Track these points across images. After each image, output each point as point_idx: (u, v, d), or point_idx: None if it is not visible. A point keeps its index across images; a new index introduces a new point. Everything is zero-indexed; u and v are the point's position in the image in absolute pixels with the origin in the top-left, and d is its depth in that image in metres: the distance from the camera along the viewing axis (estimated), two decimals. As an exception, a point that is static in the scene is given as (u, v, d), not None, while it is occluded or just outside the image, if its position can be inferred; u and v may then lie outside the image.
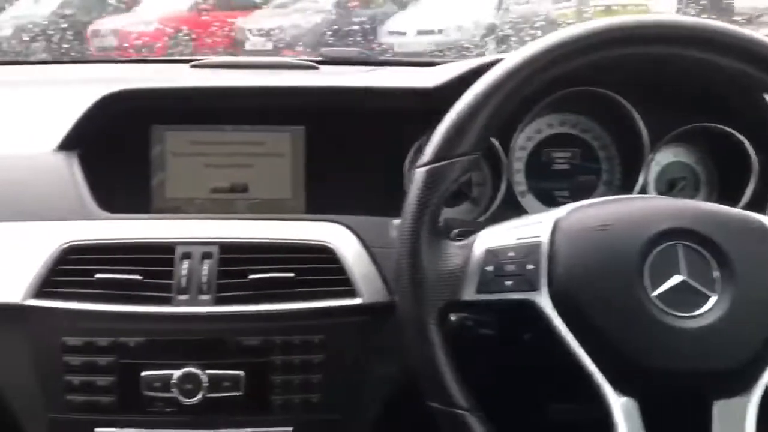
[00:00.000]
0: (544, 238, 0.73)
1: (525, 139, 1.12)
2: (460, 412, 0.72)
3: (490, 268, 0.73)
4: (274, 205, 1.09)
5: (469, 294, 0.73)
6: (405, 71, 1.35)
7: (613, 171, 1.13)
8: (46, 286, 0.92)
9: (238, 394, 0.91)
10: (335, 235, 0.96)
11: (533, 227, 0.75)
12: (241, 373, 0.91)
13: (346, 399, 0.94)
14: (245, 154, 1.09)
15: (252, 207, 1.09)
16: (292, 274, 0.93)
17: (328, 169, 1.08)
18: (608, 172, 1.13)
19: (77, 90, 1.14)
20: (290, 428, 0.93)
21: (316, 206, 1.07)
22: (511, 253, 0.73)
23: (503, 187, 1.06)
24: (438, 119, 1.01)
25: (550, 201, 1.13)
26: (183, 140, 1.08)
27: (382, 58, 1.44)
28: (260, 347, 0.92)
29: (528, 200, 1.12)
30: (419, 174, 0.77)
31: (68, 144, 1.02)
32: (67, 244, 0.93)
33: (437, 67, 1.17)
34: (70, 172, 1.00)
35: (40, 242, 0.94)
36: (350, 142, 1.08)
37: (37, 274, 0.92)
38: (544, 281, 0.72)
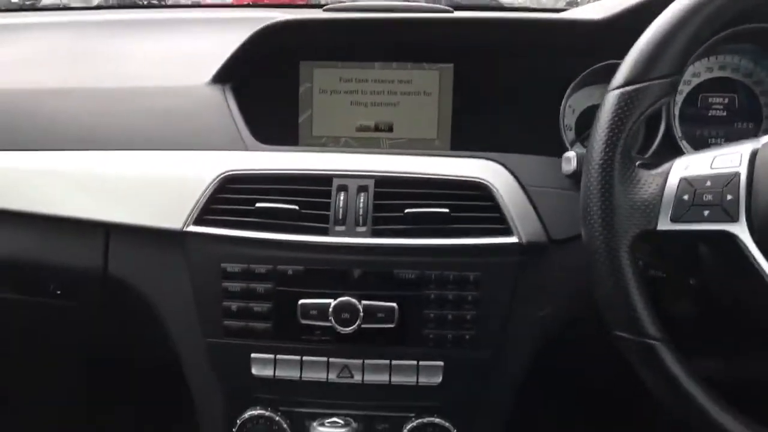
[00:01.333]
0: (743, 169, 0.69)
1: (682, 83, 1.07)
2: (651, 342, 0.70)
3: (686, 197, 0.70)
4: (419, 144, 1.08)
5: (664, 223, 0.70)
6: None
7: None
8: (207, 213, 0.94)
9: (391, 326, 0.91)
10: (490, 173, 0.94)
11: (730, 157, 0.71)
12: (394, 305, 0.91)
13: (498, 337, 0.93)
14: (391, 93, 1.08)
15: (397, 146, 1.08)
16: (446, 210, 0.92)
17: (476, 108, 1.06)
18: None
19: (223, 28, 1.16)
20: (441, 363, 0.93)
21: (462, 147, 1.06)
22: (708, 183, 0.70)
23: (662, 127, 1.02)
24: (605, 54, 0.98)
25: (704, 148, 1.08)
26: (330, 77, 1.08)
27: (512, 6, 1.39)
28: (415, 281, 0.91)
29: (682, 146, 1.08)
30: (612, 97, 0.74)
31: (222, 77, 1.04)
32: (227, 174, 0.94)
33: (584, 6, 1.13)
34: (225, 104, 1.01)
35: (201, 171, 0.95)
36: (500, 80, 1.05)
37: (197, 202, 0.94)
38: (743, 213, 0.68)
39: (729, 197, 0.68)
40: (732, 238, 0.68)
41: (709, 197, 0.69)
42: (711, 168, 0.71)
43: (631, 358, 0.71)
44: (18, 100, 1.06)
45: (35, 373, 1.36)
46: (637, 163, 0.74)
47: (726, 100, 1.09)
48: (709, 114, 1.08)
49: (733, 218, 0.68)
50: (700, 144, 1.09)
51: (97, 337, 1.16)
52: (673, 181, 0.71)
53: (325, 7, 1.31)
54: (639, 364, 0.70)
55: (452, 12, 1.29)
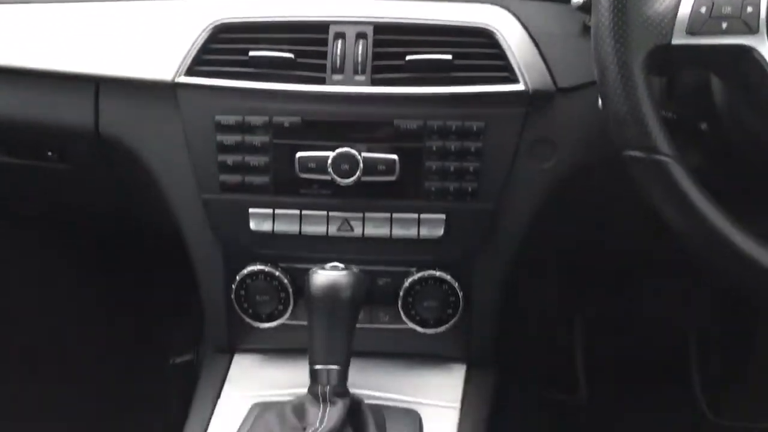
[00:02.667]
0: None
1: None
2: (663, 158, 0.67)
3: (703, 9, 0.66)
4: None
5: (679, 37, 0.66)
6: None
7: None
8: (198, 64, 0.90)
9: (391, 178, 0.89)
10: (495, 18, 0.90)
11: None
12: (395, 157, 0.89)
13: (501, 190, 0.91)
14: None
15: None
16: (449, 57, 0.88)
17: None
18: None
19: None
20: (443, 216, 0.91)
21: None
22: None
23: None
24: None
25: None
26: None
27: None
28: (416, 131, 0.89)
29: None
30: None
31: None
32: (219, 22, 0.90)
33: None
34: None
35: (191, 20, 0.91)
36: None
37: (188, 52, 0.90)
38: (764, 24, 0.65)
39: (749, 9, 0.65)
40: (750, 53, 0.65)
41: (728, 9, 0.65)
42: None
43: (641, 177, 0.68)
44: None
45: (31, 242, 1.36)
46: None
47: None
48: None
49: (753, 30, 0.65)
50: None
51: (92, 202, 1.14)
52: None
53: None
54: (649, 183, 0.68)
55: None
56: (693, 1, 0.67)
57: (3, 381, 1.33)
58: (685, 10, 0.67)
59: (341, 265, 0.85)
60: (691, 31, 0.66)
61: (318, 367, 0.82)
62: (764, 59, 0.64)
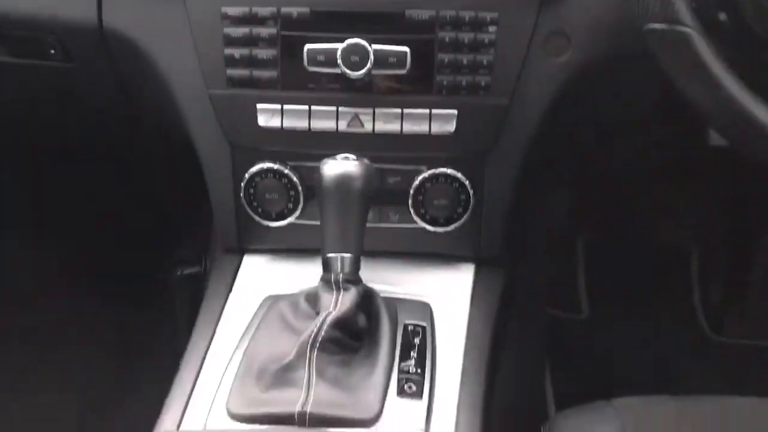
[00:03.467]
0: None
1: None
2: (685, 29, 0.66)
3: None
4: None
5: None
6: None
7: None
8: None
9: (402, 72, 0.87)
10: None
11: None
12: (406, 49, 0.87)
13: (514, 84, 0.89)
14: None
15: None
16: None
17: None
18: None
19: None
20: (454, 111, 0.89)
21: None
22: None
23: None
24: None
25: None
26: None
27: None
28: (428, 22, 0.86)
29: None
30: None
31: None
32: None
33: None
34: None
35: None
36: None
37: None
38: None
39: None
40: None
41: None
42: None
43: (663, 49, 0.67)
44: None
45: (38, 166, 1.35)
46: None
47: None
48: None
49: None
50: None
51: (98, 108, 1.12)
52: None
53: None
54: (671, 55, 0.67)
55: None
56: None
57: (15, 313, 1.34)
58: None
59: (352, 156, 0.84)
60: None
61: (330, 255, 0.82)
62: None
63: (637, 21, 0.68)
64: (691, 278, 1.70)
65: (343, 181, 0.82)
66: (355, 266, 0.83)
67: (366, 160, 0.84)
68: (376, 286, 0.88)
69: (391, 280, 0.93)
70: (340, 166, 0.83)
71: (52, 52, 1.00)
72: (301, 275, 0.93)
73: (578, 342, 1.61)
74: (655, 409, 0.84)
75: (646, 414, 0.83)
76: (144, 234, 1.48)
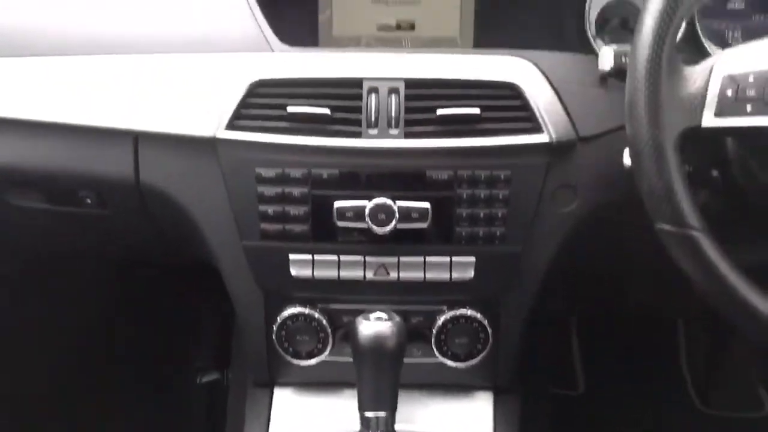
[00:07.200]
0: None
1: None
2: (694, 233, 0.74)
3: (729, 93, 0.72)
4: (441, 43, 1.07)
5: (708, 119, 0.73)
6: None
7: None
8: (238, 118, 0.94)
9: (424, 225, 0.94)
10: (519, 71, 0.95)
11: None
12: (428, 205, 0.94)
13: (527, 233, 0.97)
14: (413, -10, 1.06)
15: (418, 45, 1.07)
16: (477, 110, 0.93)
17: (498, 5, 1.05)
18: None
19: None
20: (472, 258, 0.97)
21: (485, 46, 1.05)
22: (751, 79, 0.72)
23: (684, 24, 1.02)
24: None
25: (722, 43, 1.09)
26: (350, -26, 1.06)
27: None
28: (448, 181, 0.94)
29: (703, 40, 1.09)
30: None
31: None
32: (257, 78, 0.93)
33: None
34: (248, 6, 0.99)
35: (229, 75, 0.94)
36: None
37: (228, 107, 0.93)
38: None
39: None
40: None
41: (752, 92, 0.71)
42: (753, 63, 0.72)
43: (674, 248, 0.75)
44: (31, 4, 1.02)
45: (66, 280, 1.39)
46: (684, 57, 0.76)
47: None
48: (727, 7, 1.09)
49: None
50: (717, 37, 1.10)
51: (131, 244, 1.17)
52: (716, 77, 0.73)
53: None
54: (681, 254, 0.75)
55: None
56: (720, 84, 0.73)
57: (31, 398, 1.37)
58: (713, 92, 0.73)
59: (385, 315, 0.91)
60: (719, 114, 0.72)
61: (368, 414, 0.88)
62: None
63: (649, 218, 0.76)
64: (679, 348, 1.78)
65: (378, 342, 0.88)
66: (391, 423, 0.89)
67: (397, 318, 0.91)
68: (399, 426, 0.93)
69: (413, 416, 0.99)
70: (374, 327, 0.89)
71: (88, 201, 1.05)
72: (334, 410, 0.99)
73: (578, 418, 1.67)
74: None
75: None
76: (162, 342, 1.52)
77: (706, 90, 0.73)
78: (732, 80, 0.72)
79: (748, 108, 0.72)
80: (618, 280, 1.45)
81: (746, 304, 0.73)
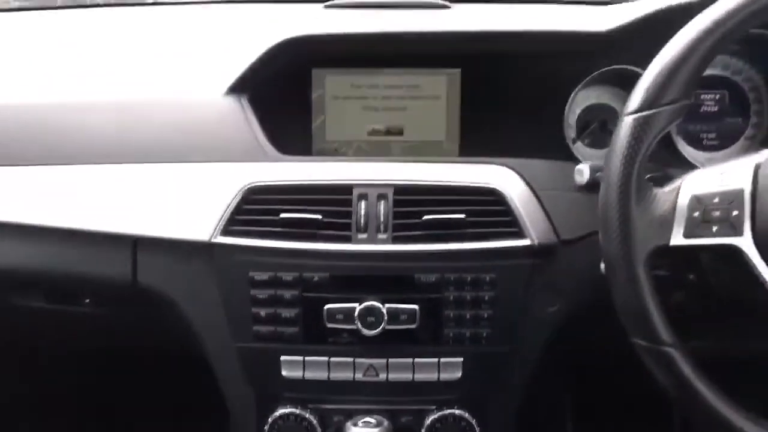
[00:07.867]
0: (747, 185, 0.75)
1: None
2: (665, 349, 0.76)
3: (696, 214, 0.76)
4: (428, 147, 1.12)
5: (677, 239, 0.76)
6: (544, 9, 1.32)
7: (764, 114, 1.13)
8: (233, 224, 0.98)
9: (413, 326, 0.97)
10: (502, 178, 0.99)
11: (735, 173, 0.77)
12: (416, 307, 0.97)
13: (514, 333, 0.99)
14: (401, 98, 1.12)
15: (407, 149, 1.13)
16: (462, 216, 0.97)
17: (482, 112, 1.10)
18: (758, 115, 1.13)
19: (231, 31, 1.17)
20: (460, 359, 0.99)
21: (470, 150, 1.10)
22: (716, 200, 0.76)
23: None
24: (610, 62, 1.02)
25: (697, 144, 1.14)
26: (342, 83, 1.11)
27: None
28: (435, 283, 0.97)
29: (676, 141, 1.14)
30: (628, 122, 0.79)
31: (238, 88, 1.06)
32: (251, 185, 0.98)
33: (604, 7, 1.16)
34: (243, 115, 1.04)
35: (224, 183, 0.99)
36: (506, 85, 1.09)
37: (223, 213, 0.98)
38: (748, 226, 0.74)
39: (735, 213, 0.74)
40: (737, 251, 0.75)
41: (717, 213, 0.75)
42: (718, 184, 0.77)
43: (648, 362, 0.78)
44: (32, 114, 1.08)
45: (60, 374, 1.40)
46: (648, 177, 0.80)
47: (717, 97, 1.14)
48: (701, 110, 1.14)
49: (738, 232, 0.74)
50: (692, 139, 1.16)
51: (125, 340, 1.20)
52: (684, 199, 0.78)
53: (325, 4, 1.33)
54: (655, 368, 0.77)
55: (449, 6, 1.32)
56: (687, 206, 0.77)
57: None
58: (681, 214, 0.77)
59: (373, 421, 0.93)
60: (687, 235, 0.76)
61: None
62: (750, 258, 0.74)
63: (625, 332, 0.79)
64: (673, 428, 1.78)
65: None
66: None
67: (386, 422, 0.93)
68: None
69: None
70: None
71: (87, 301, 1.08)
72: None
73: None
74: None
75: None
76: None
77: (674, 211, 0.77)
78: (698, 201, 0.76)
79: (714, 229, 0.75)
80: (608, 366, 1.48)
81: (720, 418, 0.75)
